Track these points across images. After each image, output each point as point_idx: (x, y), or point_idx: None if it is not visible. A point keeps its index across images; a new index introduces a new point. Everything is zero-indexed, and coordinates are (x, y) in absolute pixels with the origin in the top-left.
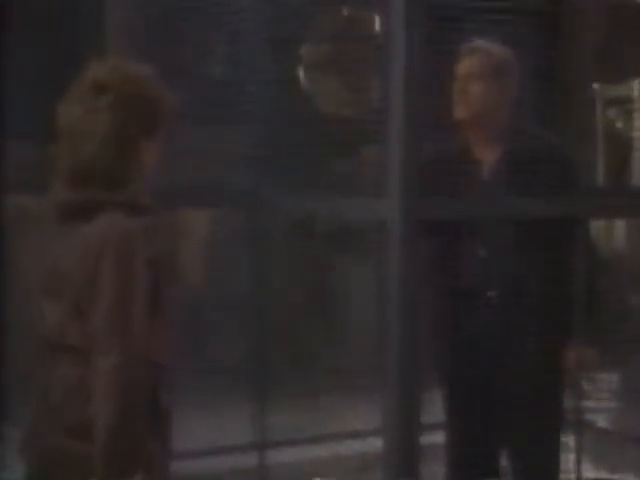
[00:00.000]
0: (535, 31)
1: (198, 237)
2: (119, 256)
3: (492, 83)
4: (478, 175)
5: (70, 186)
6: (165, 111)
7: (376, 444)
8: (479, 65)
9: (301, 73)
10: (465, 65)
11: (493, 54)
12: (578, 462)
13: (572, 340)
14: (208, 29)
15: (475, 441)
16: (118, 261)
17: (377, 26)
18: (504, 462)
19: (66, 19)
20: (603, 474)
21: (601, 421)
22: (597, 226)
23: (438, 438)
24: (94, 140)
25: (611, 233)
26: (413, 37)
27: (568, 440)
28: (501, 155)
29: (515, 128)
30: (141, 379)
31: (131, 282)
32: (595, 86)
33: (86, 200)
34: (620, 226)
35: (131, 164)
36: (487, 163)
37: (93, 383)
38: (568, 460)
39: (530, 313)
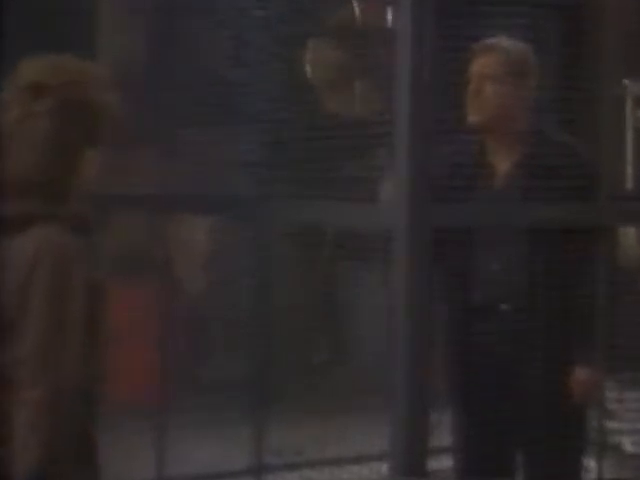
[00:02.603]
0: (558, 24)
1: (198, 247)
2: (53, 277)
3: (509, 84)
4: (493, 183)
5: (1, 197)
6: (112, 117)
7: (381, 469)
8: (495, 64)
9: (308, 72)
10: (480, 64)
11: (510, 52)
12: None
13: (581, 358)
14: (211, 26)
15: (487, 459)
16: (51, 283)
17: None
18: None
19: (58, 19)
20: None
21: (629, 444)
22: (626, 234)
23: (446, 462)
24: (31, 147)
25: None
26: (422, 31)
27: (590, 463)
28: (518, 161)
29: (535, 132)
30: (71, 413)
31: (65, 307)
32: (625, 82)
33: (20, 213)
34: None
35: (71, 175)
36: (503, 170)
37: (17, 415)
38: None
39: (545, 328)
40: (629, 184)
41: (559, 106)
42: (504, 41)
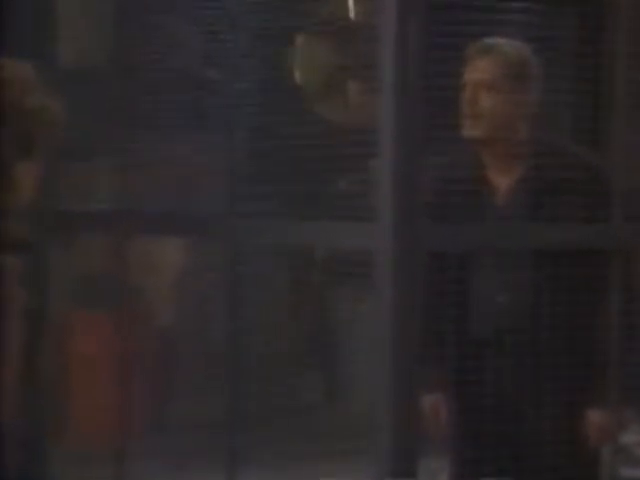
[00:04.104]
0: (570, 21)
1: (167, 271)
2: None
3: (508, 90)
4: (494, 200)
5: None
6: (49, 123)
7: None
8: (493, 69)
9: (294, 73)
10: (474, 69)
11: (508, 54)
12: None
13: (596, 398)
14: (183, 20)
15: None
16: None
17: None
18: None
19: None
20: None
21: None
22: None
23: None
24: None
25: None
26: (408, 29)
27: None
28: (523, 176)
29: (541, 143)
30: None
31: None
32: None
33: None
34: None
35: (4, 189)
36: (505, 185)
37: None
38: None
39: (554, 363)
40: None
41: (571, 113)
42: (500, 42)
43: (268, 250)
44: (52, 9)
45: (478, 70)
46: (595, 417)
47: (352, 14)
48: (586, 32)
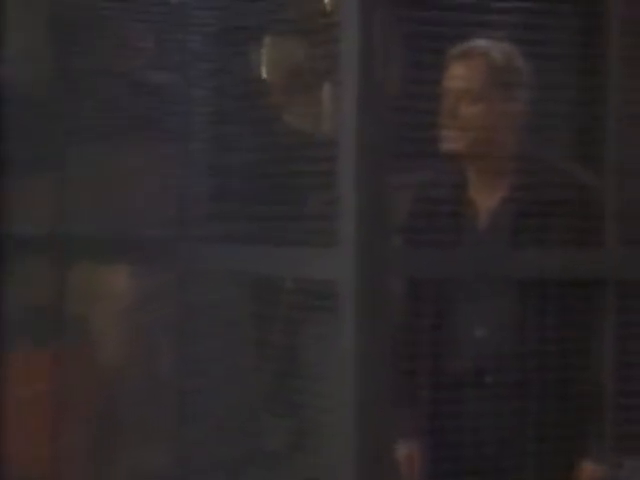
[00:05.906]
0: (566, 21)
1: (111, 303)
2: None
3: (494, 100)
4: (475, 223)
5: None
6: None
7: None
8: (475, 76)
9: (261, 77)
10: (457, 75)
11: (493, 57)
12: None
13: (587, 447)
14: (136, 20)
15: None
16: None
17: None
18: None
19: None
20: None
21: None
22: None
23: None
24: None
25: None
26: (372, 26)
27: None
28: (508, 196)
29: (529, 159)
30: None
31: None
32: None
33: None
34: None
35: None
36: (486, 207)
37: None
38: None
39: (540, 407)
40: None
41: (564, 125)
42: (484, 44)
43: (224, 278)
44: None
45: (458, 77)
46: (589, 469)
47: (323, 12)
48: (589, 35)
